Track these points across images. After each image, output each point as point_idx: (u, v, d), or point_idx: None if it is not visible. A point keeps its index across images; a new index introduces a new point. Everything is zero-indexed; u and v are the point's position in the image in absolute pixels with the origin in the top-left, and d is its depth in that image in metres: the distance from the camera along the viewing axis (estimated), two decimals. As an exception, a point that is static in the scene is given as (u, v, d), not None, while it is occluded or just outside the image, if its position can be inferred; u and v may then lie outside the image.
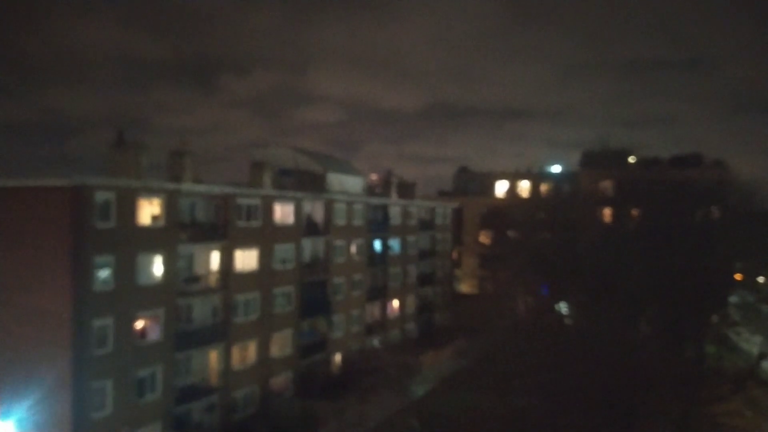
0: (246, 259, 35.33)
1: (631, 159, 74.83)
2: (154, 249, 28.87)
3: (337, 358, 43.91)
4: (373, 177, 59.42)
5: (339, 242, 44.22)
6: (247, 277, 35.15)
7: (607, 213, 68.51)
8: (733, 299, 44.93)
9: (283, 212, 38.53)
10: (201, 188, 32.28)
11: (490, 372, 38.92)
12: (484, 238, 73.69)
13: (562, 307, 56.21)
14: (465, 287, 72.00)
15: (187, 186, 31.12)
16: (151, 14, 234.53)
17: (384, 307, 50.77)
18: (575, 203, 67.93)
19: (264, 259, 36.53)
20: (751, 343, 41.18)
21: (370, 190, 53.23)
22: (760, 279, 50.02)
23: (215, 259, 33.60)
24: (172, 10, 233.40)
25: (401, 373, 42.42)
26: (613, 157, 72.94)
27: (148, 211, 28.88)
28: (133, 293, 27.65)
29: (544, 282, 55.14)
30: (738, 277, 46.80)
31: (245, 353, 35.51)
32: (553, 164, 76.41)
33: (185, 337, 30.77)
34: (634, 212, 63.14)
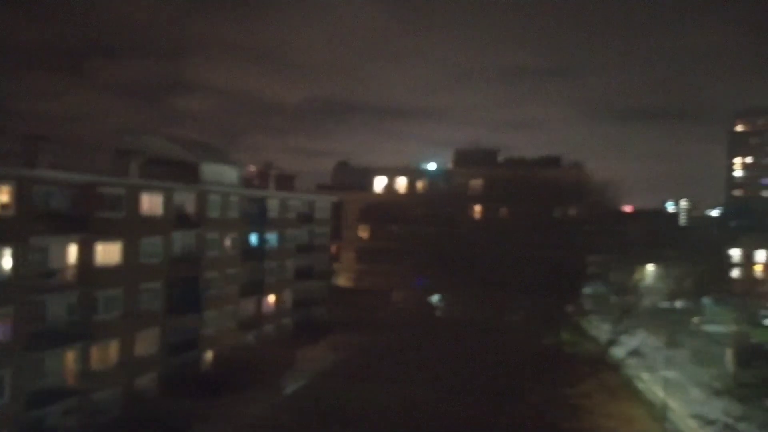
0: (108, 253, 33.05)
1: (501, 159, 78.90)
2: (2, 241, 26.24)
3: (210, 355, 42.42)
4: (252, 168, 57.97)
5: (212, 235, 42.65)
6: (109, 272, 32.90)
7: (477, 209, 71.92)
8: (587, 290, 48.75)
9: (151, 203, 36.46)
10: (58, 175, 29.74)
11: (368, 364, 39.45)
12: (363, 232, 74.57)
13: (437, 299, 58.24)
14: (343, 281, 72.42)
15: (41, 172, 28.56)
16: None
17: (260, 302, 49.74)
18: (449, 199, 70.70)
19: (129, 252, 34.39)
20: (601, 330, 44.87)
21: (247, 181, 51.84)
22: (612, 272, 54.54)
23: (73, 252, 31.14)
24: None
25: (276, 368, 41.86)
26: (483, 156, 76.63)
27: (-5, 199, 26.19)
28: (-26, 290, 24.96)
29: (421, 275, 56.83)
30: (591, 270, 50.78)
31: (107, 353, 33.26)
32: (429, 162, 78.74)
33: (38, 337, 28.27)
34: (502, 209, 66.75)
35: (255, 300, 48.99)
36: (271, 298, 51.68)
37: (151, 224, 36.26)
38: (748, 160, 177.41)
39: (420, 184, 76.06)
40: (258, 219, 48.92)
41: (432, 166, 77.94)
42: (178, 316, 38.69)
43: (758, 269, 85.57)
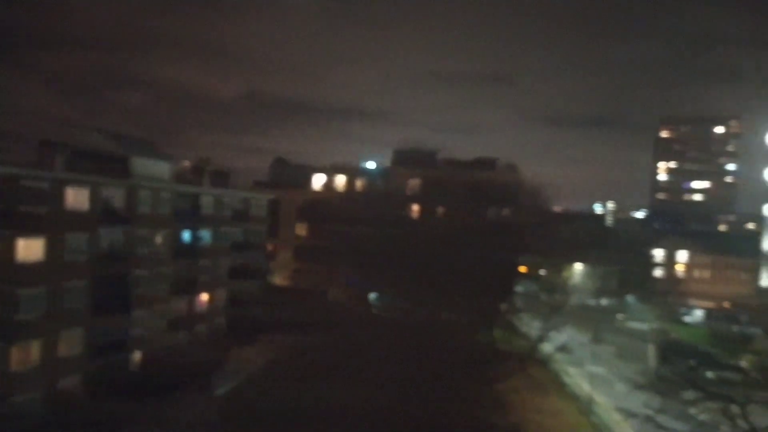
0: (30, 249, 31.49)
1: (438, 159, 79.93)
2: None
3: (139, 356, 41.08)
4: (186, 164, 56.54)
5: (142, 232, 41.30)
6: (30, 270, 31.37)
7: (415, 209, 72.66)
8: (519, 289, 50.16)
9: (76, 198, 34.95)
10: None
11: (303, 365, 39.17)
12: (301, 230, 73.99)
13: (374, 297, 58.50)
14: (280, 280, 71.63)
15: (-46, 164, 26.94)
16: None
17: (192, 302, 48.55)
18: (388, 199, 71.13)
19: (52, 249, 32.87)
20: (532, 327, 46.27)
21: (181, 177, 50.49)
22: (542, 271, 56.44)
23: (-9, 248, 29.52)
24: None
25: (209, 369, 41.00)
26: (422, 156, 77.46)
27: None
28: None
29: (359, 274, 56.94)
30: (523, 269, 52.36)
31: (27, 354, 31.69)
32: (368, 161, 78.94)
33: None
34: (440, 208, 67.75)
35: (187, 299, 47.77)
36: (205, 297, 50.55)
37: (76, 220, 34.78)
38: (672, 164, 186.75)
39: (359, 183, 76.17)
40: (191, 216, 47.74)
41: (371, 165, 78.17)
42: (106, 315, 37.25)
43: (679, 269, 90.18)
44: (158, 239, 43.37)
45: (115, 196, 38.88)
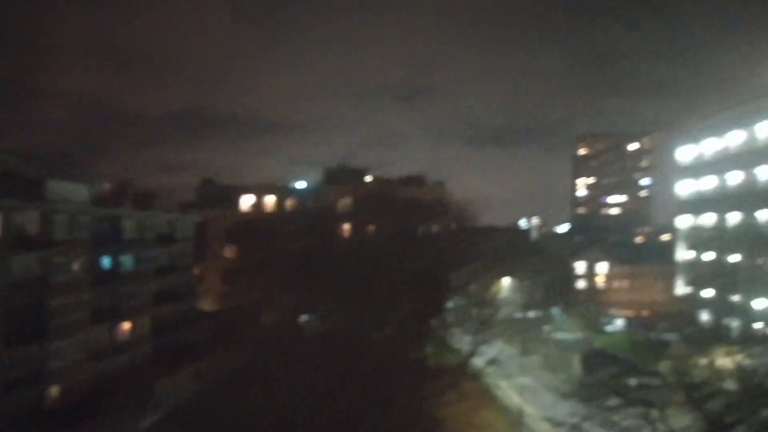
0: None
1: (368, 177, 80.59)
2: None
3: (57, 389, 38.80)
4: (106, 186, 54.37)
5: (59, 258, 39.28)
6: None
7: (347, 227, 72.73)
8: (449, 304, 50.85)
9: (-14, 224, 32.96)
10: None
11: (232, 391, 38.01)
12: (230, 252, 72.38)
13: (307, 317, 57.81)
14: (208, 304, 69.62)
15: None
16: None
17: (115, 329, 46.45)
18: (319, 217, 70.84)
19: (-42, 279, 30.78)
20: (463, 342, 46.93)
21: (102, 199, 48.48)
22: (472, 286, 57.37)
23: None
24: None
25: (133, 400, 39.19)
26: (352, 174, 77.88)
27: None
28: None
29: (289, 295, 56.11)
30: (453, 284, 53.10)
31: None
32: (298, 180, 78.53)
33: None
34: (371, 226, 68.10)
35: (109, 327, 45.68)
36: (128, 325, 48.47)
37: (-15, 247, 32.73)
38: (590, 180, 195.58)
39: (289, 202, 75.54)
40: (112, 240, 45.89)
41: (301, 185, 77.80)
42: (19, 347, 35.07)
43: (600, 279, 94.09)
44: (76, 265, 41.35)
45: (29, 220, 36.86)
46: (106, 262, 45.78)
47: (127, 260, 48.26)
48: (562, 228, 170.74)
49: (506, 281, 66.35)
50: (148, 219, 51.62)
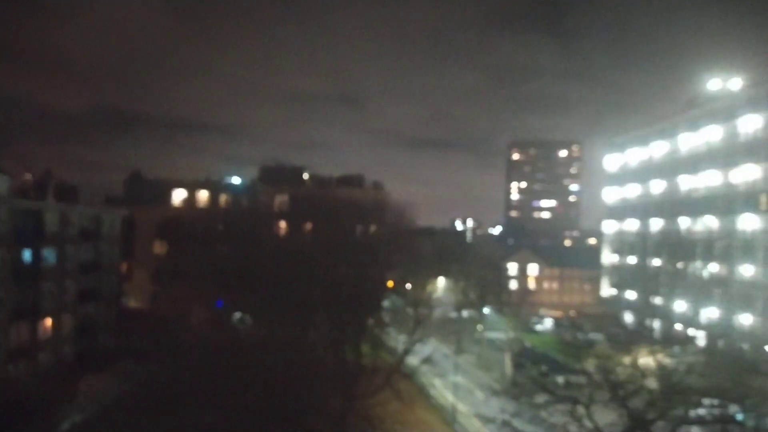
0: None
1: (305, 176, 79.78)
2: None
3: (-33, 391, 36.39)
4: (27, 177, 51.50)
5: (-26, 252, 36.96)
6: None
7: (283, 225, 71.70)
8: (385, 303, 50.99)
9: None
10: None
11: (158, 395, 36.65)
12: (159, 249, 69.97)
13: (239, 319, 56.57)
14: (135, 303, 67.05)
15: None
16: None
17: (34, 328, 44.01)
18: (254, 215, 69.50)
19: None
20: (398, 341, 47.10)
21: (20, 192, 45.88)
22: (408, 285, 57.75)
23: None
24: None
25: (52, 403, 37.22)
26: (289, 173, 76.89)
27: None
28: None
29: (221, 294, 54.78)
30: (390, 284, 53.32)
31: None
32: (232, 176, 76.81)
33: None
34: (307, 226, 67.40)
35: (28, 325, 43.28)
36: (48, 324, 46.06)
37: None
38: (523, 185, 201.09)
39: (223, 199, 73.75)
40: (33, 234, 43.47)
41: (236, 181, 76.16)
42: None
43: (530, 281, 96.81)
44: (-7, 260, 38.97)
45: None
46: (26, 256, 43.34)
47: (49, 255, 45.85)
48: (496, 230, 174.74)
49: (442, 281, 67.21)
50: (71, 212, 49.24)
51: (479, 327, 67.02)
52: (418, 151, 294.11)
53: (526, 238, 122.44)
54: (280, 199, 74.57)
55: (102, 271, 54.07)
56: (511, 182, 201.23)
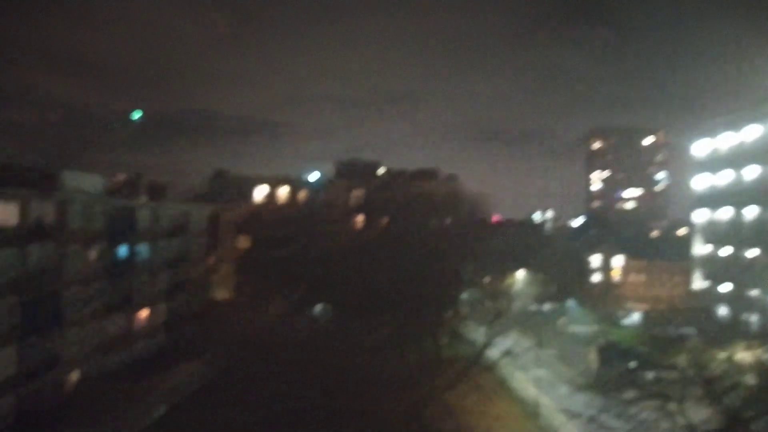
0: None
1: (381, 170, 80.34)
2: None
3: (73, 377, 39.05)
4: (120, 177, 54.61)
5: (75, 248, 39.44)
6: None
7: (359, 220, 72.62)
8: (463, 296, 50.58)
9: (4, 213, 33.06)
10: None
11: (239, 384, 37.97)
12: (242, 243, 72.53)
13: (318, 311, 57.76)
14: (221, 294, 69.82)
15: None
16: None
17: (129, 319, 46.64)
18: (331, 210, 70.84)
19: (-25, 267, 30.93)
20: (478, 333, 46.68)
21: (114, 191, 48.66)
22: (485, 278, 57.08)
23: None
24: None
25: (146, 389, 39.37)
26: (364, 168, 77.72)
27: None
28: None
29: (300, 287, 56.18)
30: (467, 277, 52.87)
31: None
32: (310, 172, 78.46)
33: None
34: (383, 219, 67.89)
35: (124, 316, 45.89)
36: (143, 314, 48.69)
37: (3, 236, 32.86)
38: (604, 174, 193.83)
39: (301, 195, 75.51)
40: (127, 230, 46.00)
41: (314, 177, 77.74)
42: (36, 336, 35.26)
43: (616, 274, 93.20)
44: (92, 255, 41.51)
45: (45, 210, 36.99)
46: (121, 252, 45.95)
47: (141, 250, 48.40)
48: (577, 222, 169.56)
49: (520, 274, 65.91)
50: (161, 210, 51.75)
51: (561, 320, 65.25)
52: (486, 143, 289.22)
53: (609, 229, 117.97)
54: (357, 194, 75.50)
55: (190, 265, 56.57)
56: (591, 172, 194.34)
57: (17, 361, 33.84)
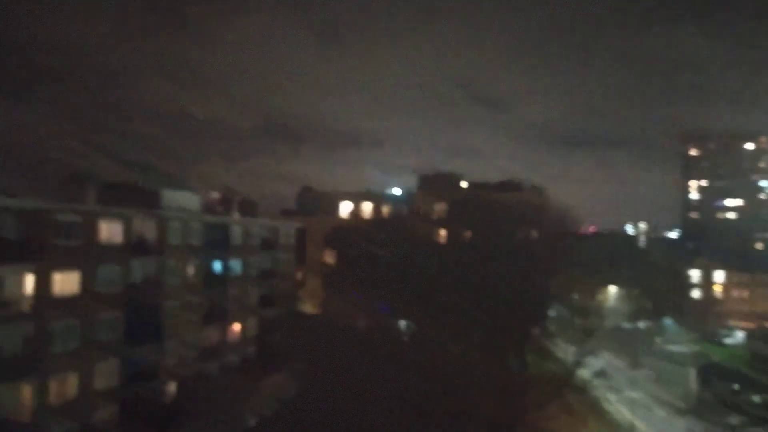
0: (65, 282, 32.00)
1: (464, 183, 79.75)
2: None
3: (171, 386, 41.19)
4: (214, 195, 57.27)
5: (173, 263, 41.75)
6: (66, 302, 31.82)
7: (442, 233, 72.31)
8: (551, 313, 49.20)
9: (109, 230, 35.56)
10: (7, 202, 28.83)
11: (328, 396, 38.65)
12: (329, 258, 74.03)
13: (404, 324, 57.90)
14: (309, 307, 71.54)
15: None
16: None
17: (223, 331, 48.69)
18: (414, 224, 70.98)
19: (87, 281, 33.35)
20: (566, 352, 45.23)
21: (209, 208, 51.12)
22: (575, 294, 55.31)
23: (29, 282, 30.07)
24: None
25: (240, 399, 40.89)
26: (446, 180, 77.40)
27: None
28: None
29: (386, 301, 56.54)
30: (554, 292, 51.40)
31: (64, 386, 32.01)
32: (393, 187, 79.19)
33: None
34: (467, 233, 67.25)
35: (218, 328, 47.95)
36: (235, 326, 50.68)
37: (109, 252, 35.31)
38: (703, 183, 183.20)
39: (385, 209, 76.25)
40: (221, 246, 48.15)
41: (397, 191, 78.37)
42: (138, 345, 37.54)
43: (717, 289, 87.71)
44: (189, 269, 43.75)
45: (147, 227, 39.46)
46: (215, 266, 48.13)
47: (234, 265, 50.50)
48: (673, 234, 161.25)
49: (612, 289, 63.34)
50: (252, 225, 53.81)
51: (657, 339, 62.06)
52: (574, 150, 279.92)
53: (708, 241, 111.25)
54: (439, 207, 75.28)
55: (279, 278, 58.38)
56: (688, 180, 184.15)
57: (120, 371, 36.12)
